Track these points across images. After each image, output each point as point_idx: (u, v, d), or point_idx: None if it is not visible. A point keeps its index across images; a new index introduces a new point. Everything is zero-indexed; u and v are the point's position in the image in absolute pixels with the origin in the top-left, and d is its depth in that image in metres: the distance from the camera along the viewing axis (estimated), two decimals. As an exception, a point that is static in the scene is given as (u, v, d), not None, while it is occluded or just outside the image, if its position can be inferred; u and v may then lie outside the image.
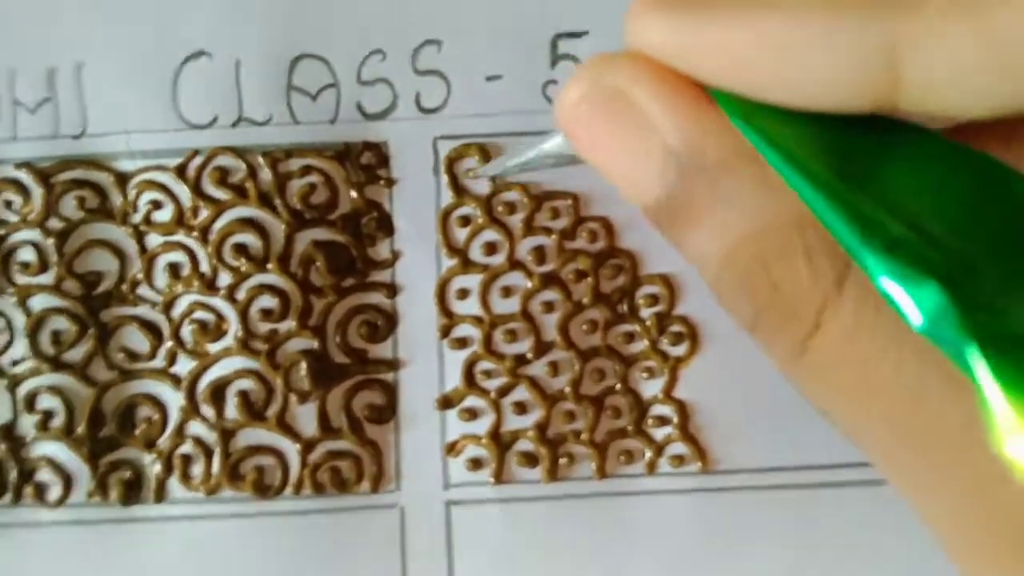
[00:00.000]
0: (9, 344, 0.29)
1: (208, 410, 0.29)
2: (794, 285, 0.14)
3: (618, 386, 0.29)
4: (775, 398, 0.29)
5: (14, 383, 0.29)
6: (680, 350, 0.29)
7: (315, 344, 0.29)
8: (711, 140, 0.15)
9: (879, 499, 0.29)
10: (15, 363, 0.29)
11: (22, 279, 0.29)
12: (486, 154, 0.29)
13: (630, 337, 0.29)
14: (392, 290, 0.29)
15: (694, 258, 0.15)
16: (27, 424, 0.29)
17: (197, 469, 0.29)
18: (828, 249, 0.14)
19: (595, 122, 0.16)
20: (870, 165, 0.14)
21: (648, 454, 0.29)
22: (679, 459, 0.29)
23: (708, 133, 0.15)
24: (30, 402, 0.29)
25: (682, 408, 0.29)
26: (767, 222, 0.14)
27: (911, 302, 0.12)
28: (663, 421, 0.29)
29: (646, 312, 0.29)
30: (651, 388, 0.29)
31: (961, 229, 0.13)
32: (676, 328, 0.29)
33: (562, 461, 0.29)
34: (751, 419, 0.29)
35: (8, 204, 0.29)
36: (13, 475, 0.29)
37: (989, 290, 0.12)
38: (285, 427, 0.29)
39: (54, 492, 0.29)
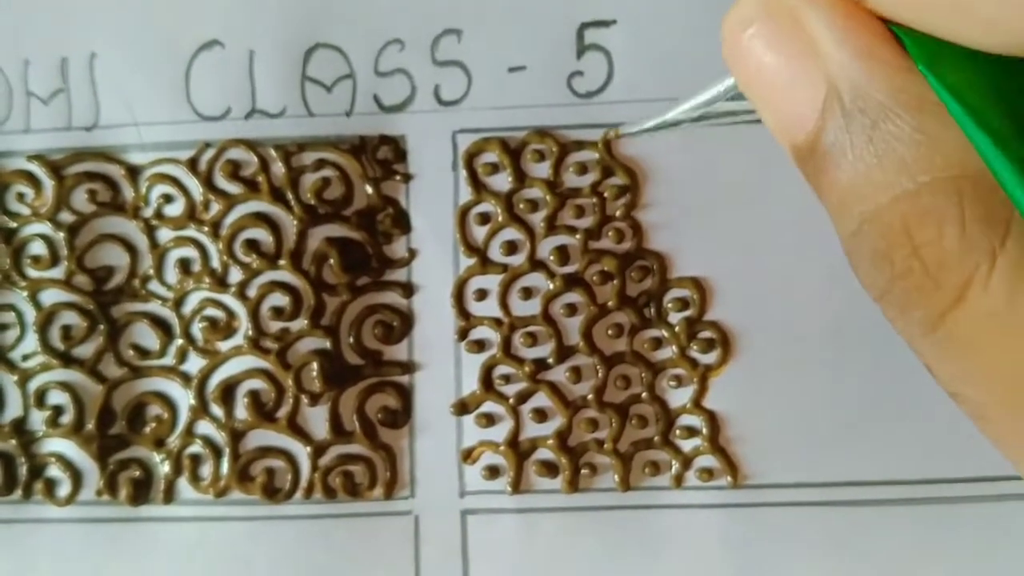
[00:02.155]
0: (20, 339, 0.28)
1: (218, 410, 0.28)
2: (940, 253, 0.13)
3: (644, 394, 0.28)
4: (811, 410, 0.27)
5: (24, 378, 0.28)
6: (710, 358, 0.28)
7: (327, 344, 0.28)
8: (879, 79, 0.13)
9: (920, 519, 0.27)
10: (25, 358, 0.28)
11: (33, 273, 0.28)
12: (507, 149, 0.28)
13: (657, 343, 0.28)
14: (408, 290, 0.28)
15: (834, 209, 0.14)
16: (37, 420, 0.28)
17: (206, 470, 0.28)
18: (985, 216, 0.13)
19: (759, 45, 0.15)
20: None
21: (675, 466, 0.28)
22: (708, 472, 0.27)
23: (877, 71, 0.13)
24: (40, 398, 0.28)
25: (712, 419, 0.28)
26: (922, 180, 0.13)
27: None
28: (692, 432, 0.28)
29: (675, 317, 0.28)
30: (679, 397, 0.28)
31: None
32: (707, 334, 0.28)
33: (583, 471, 0.28)
34: (785, 432, 0.27)
35: (20, 196, 0.28)
36: (23, 471, 0.28)
37: None
38: (296, 429, 0.28)
39: (63, 489, 0.28)
